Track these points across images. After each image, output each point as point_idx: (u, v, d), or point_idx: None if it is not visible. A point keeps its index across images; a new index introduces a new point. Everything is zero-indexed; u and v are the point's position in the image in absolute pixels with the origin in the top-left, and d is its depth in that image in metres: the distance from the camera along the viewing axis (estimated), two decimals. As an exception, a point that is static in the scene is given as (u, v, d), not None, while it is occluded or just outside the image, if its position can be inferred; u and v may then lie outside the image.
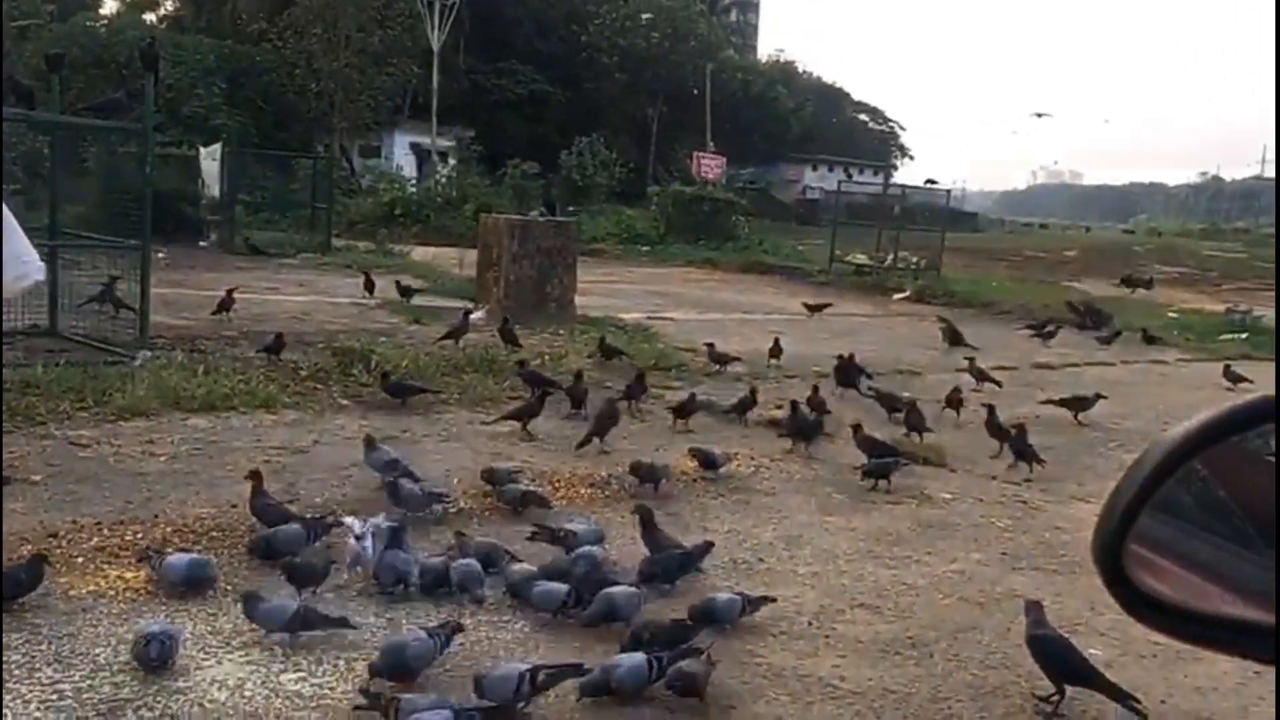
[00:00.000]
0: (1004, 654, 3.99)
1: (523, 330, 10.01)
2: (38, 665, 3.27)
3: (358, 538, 4.11)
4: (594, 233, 25.54)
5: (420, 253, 19.77)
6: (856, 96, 71.03)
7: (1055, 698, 3.52)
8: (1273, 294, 16.62)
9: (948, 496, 6.11)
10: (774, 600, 4.10)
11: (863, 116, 70.10)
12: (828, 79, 68.14)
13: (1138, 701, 3.43)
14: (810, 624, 4.10)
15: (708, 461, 5.99)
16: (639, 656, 3.33)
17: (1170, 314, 17.89)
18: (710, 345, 9.83)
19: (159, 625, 3.34)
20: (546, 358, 9.05)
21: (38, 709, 3.02)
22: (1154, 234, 52.08)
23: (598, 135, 37.24)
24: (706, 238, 26.75)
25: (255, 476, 4.64)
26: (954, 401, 8.16)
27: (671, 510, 5.42)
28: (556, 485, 5.62)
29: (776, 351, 9.94)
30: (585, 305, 12.30)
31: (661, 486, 5.64)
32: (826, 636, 4.02)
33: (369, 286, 12.43)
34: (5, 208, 4.88)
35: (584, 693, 3.22)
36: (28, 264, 5.00)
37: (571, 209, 28.44)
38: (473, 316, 10.08)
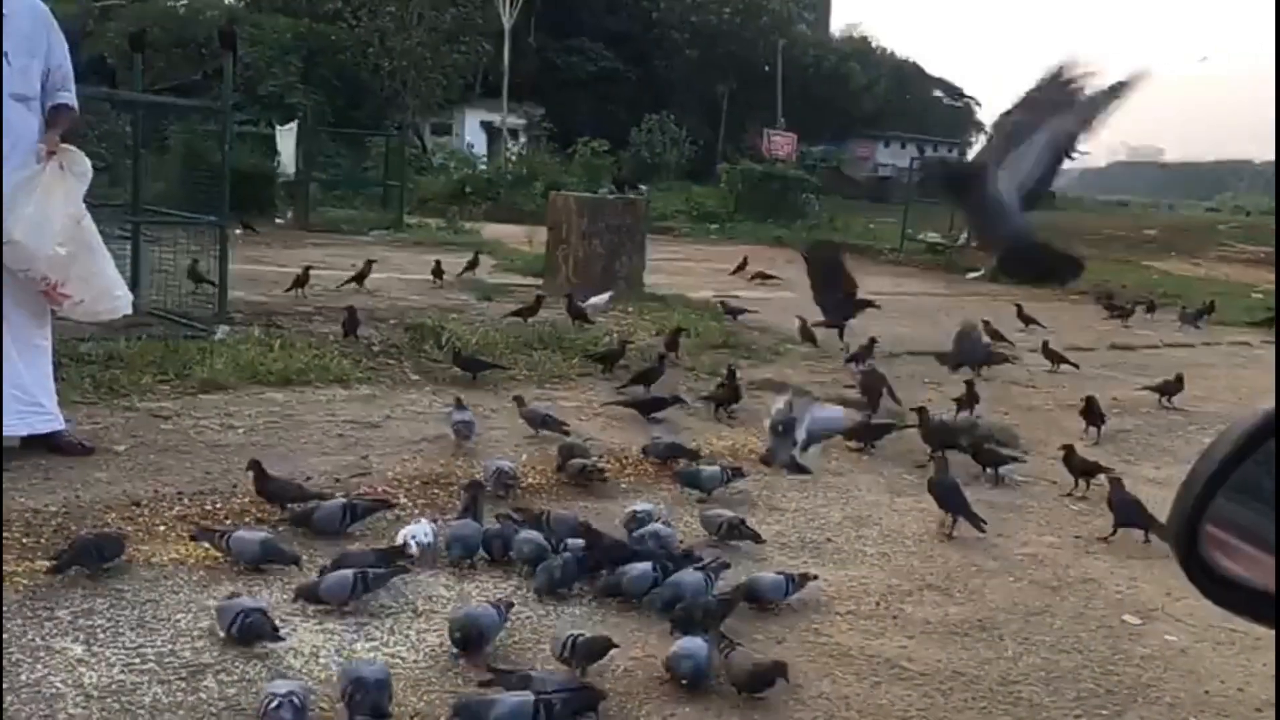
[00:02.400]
0: (1077, 638, 3.93)
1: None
2: (121, 629, 3.37)
3: (420, 544, 4.13)
4: (663, 210, 25.54)
5: (490, 230, 19.90)
6: (932, 72, 69.84)
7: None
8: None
9: (1019, 478, 6.02)
10: (814, 578, 4.07)
11: (938, 92, 68.96)
12: (902, 54, 67.07)
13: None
14: (878, 604, 4.08)
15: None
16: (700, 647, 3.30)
17: (1255, 294, 17.40)
18: (802, 319, 9.80)
19: (250, 601, 3.39)
20: (615, 335, 9.07)
21: (121, 672, 3.11)
22: (1240, 212, 50.56)
23: (667, 113, 37.17)
24: (776, 216, 26.57)
25: (255, 466, 4.55)
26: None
27: (739, 489, 5.42)
28: (624, 463, 5.63)
29: (808, 333, 9.76)
30: (654, 283, 12.30)
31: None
32: (894, 617, 3.99)
33: (438, 274, 12.20)
34: (97, 237, 5.01)
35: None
36: (119, 298, 5.14)
37: (641, 187, 28.44)
38: (594, 300, 9.94)
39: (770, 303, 12.33)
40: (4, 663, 3.10)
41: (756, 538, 4.54)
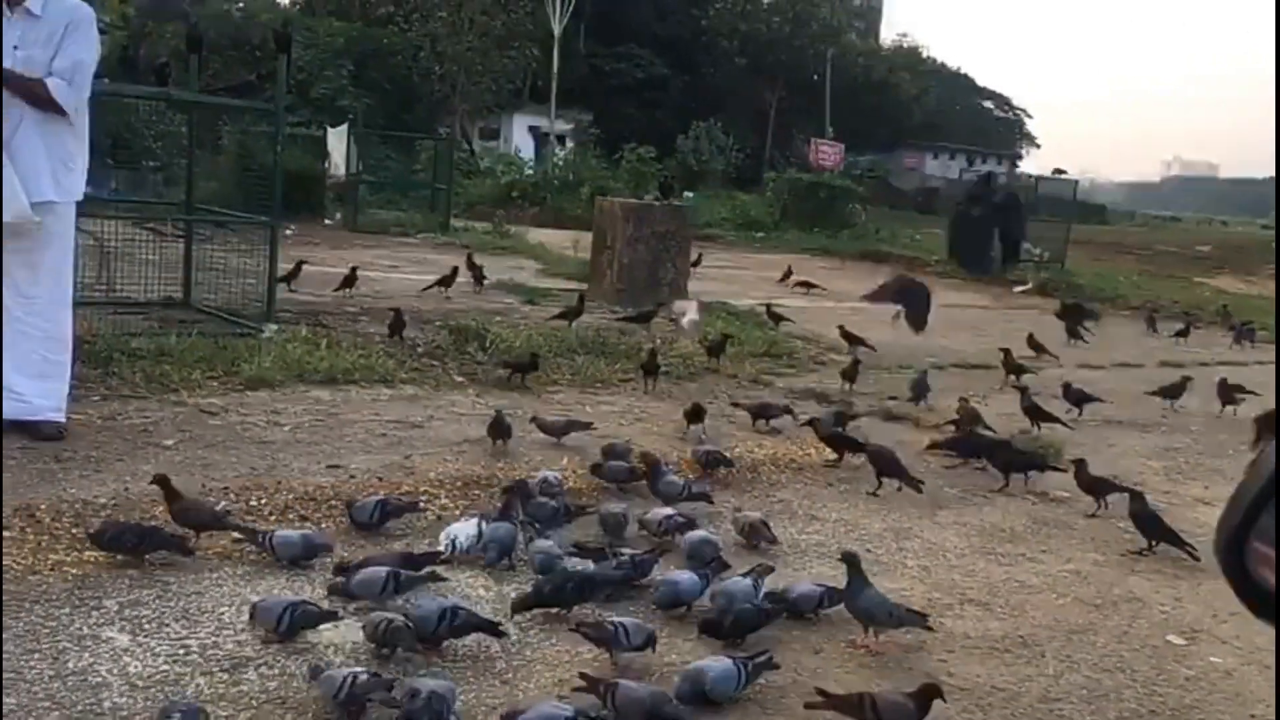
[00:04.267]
0: (1120, 657, 3.88)
1: (632, 313, 10.05)
2: (166, 621, 3.43)
3: (460, 545, 4.16)
4: (709, 218, 25.52)
5: (536, 235, 19.99)
6: (982, 83, 69.34)
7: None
8: None
9: (1065, 494, 5.95)
10: (838, 590, 4.04)
11: (988, 103, 68.45)
12: (952, 65, 66.68)
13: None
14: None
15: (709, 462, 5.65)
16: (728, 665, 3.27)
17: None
18: (842, 328, 9.76)
19: (288, 597, 3.42)
20: (658, 341, 9.08)
21: (165, 662, 3.16)
22: (1296, 229, 49.64)
23: (715, 120, 37.15)
24: (822, 225, 26.47)
25: (162, 483, 4.21)
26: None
27: (780, 498, 5.41)
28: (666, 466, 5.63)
29: (851, 338, 9.71)
30: (698, 290, 12.29)
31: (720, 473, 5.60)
32: (934, 631, 3.95)
33: (478, 280, 11.89)
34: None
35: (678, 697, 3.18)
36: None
37: (687, 194, 28.43)
38: (685, 320, 9.84)
39: (813, 312, 12.28)
40: (52, 650, 3.16)
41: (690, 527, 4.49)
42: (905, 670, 3.57)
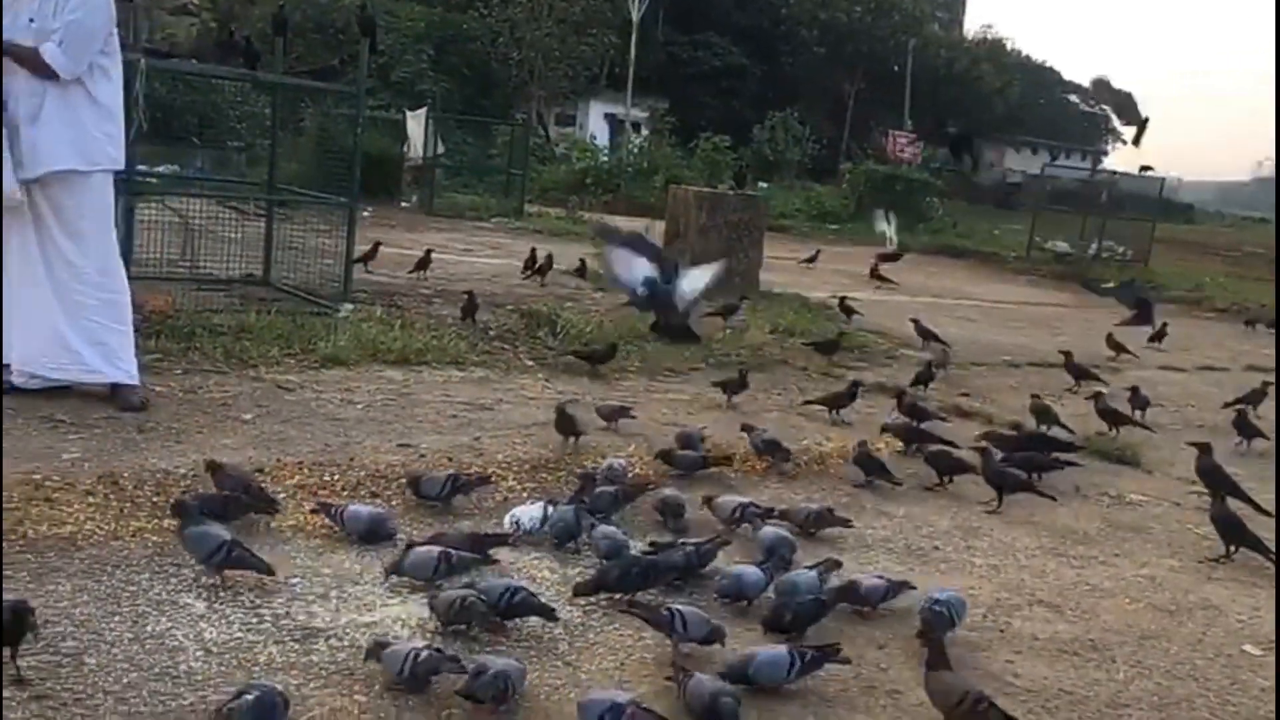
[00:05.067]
0: (1193, 665, 3.79)
1: (704, 303, 10.02)
2: (241, 590, 3.51)
3: (525, 526, 4.20)
4: (782, 208, 25.36)
5: (609, 222, 20.02)
6: (1068, 76, 67.85)
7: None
8: None
9: (1141, 498, 5.83)
10: (914, 588, 3.99)
11: (1073, 98, 66.98)
12: (1037, 57, 65.34)
13: None
14: (985, 616, 4.00)
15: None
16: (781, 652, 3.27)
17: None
18: (916, 322, 9.66)
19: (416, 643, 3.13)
20: (729, 332, 9.06)
21: (239, 630, 3.24)
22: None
23: (792, 110, 36.84)
24: (898, 218, 26.14)
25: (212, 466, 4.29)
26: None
27: (848, 491, 5.37)
28: (732, 457, 5.62)
29: (926, 333, 9.59)
30: (770, 281, 12.24)
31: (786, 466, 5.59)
32: (1001, 631, 3.91)
33: (541, 268, 11.50)
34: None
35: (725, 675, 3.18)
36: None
37: (761, 184, 28.29)
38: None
39: (887, 306, 12.16)
40: (132, 613, 3.26)
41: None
42: (970, 669, 3.53)
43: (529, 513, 4.26)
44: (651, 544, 4.15)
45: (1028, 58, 64.53)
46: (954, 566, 4.53)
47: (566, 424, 5.31)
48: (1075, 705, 3.41)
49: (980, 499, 5.45)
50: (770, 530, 4.31)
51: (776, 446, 5.61)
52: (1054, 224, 22.20)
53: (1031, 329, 12.19)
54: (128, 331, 5.46)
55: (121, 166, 5.53)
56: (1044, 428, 6.69)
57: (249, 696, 2.68)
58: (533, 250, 11.46)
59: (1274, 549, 4.85)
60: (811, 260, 16.32)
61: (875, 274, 14.75)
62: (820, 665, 3.27)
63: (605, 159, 30.67)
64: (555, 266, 11.55)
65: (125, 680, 2.88)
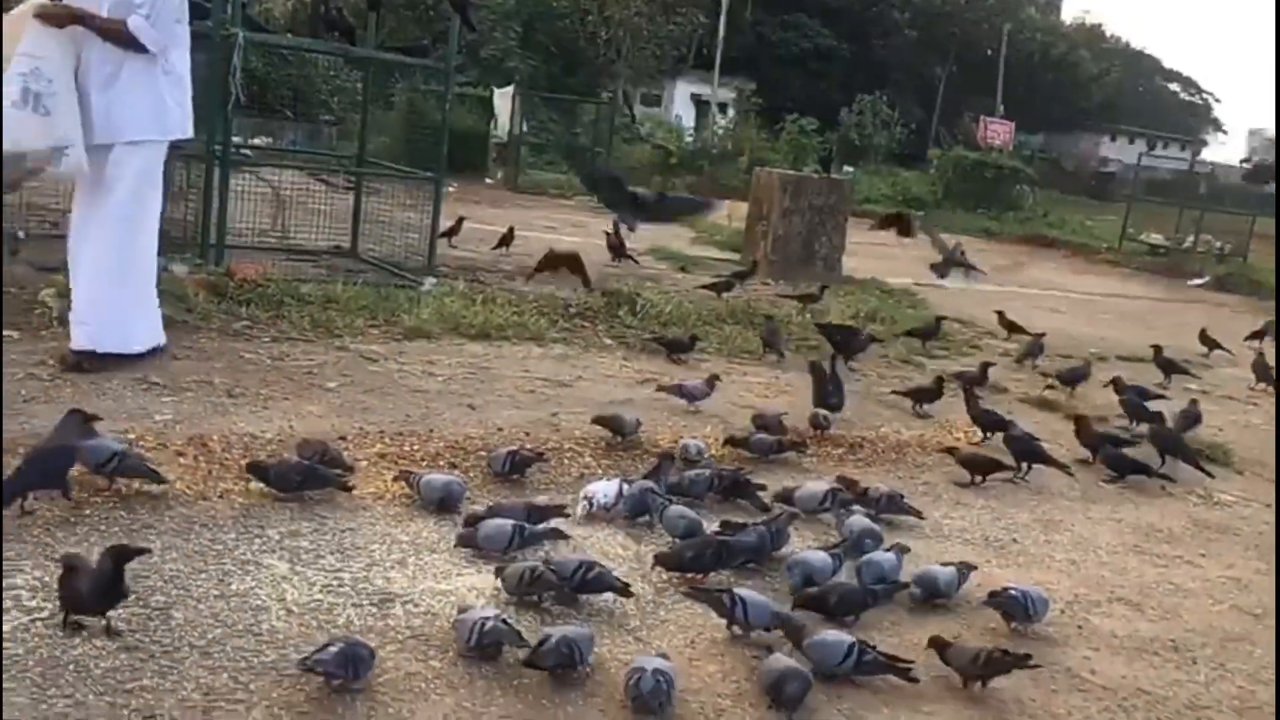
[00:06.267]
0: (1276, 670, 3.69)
1: (786, 287, 9.98)
2: (322, 553, 3.59)
3: (598, 503, 4.23)
4: (867, 193, 25.03)
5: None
6: (1168, 64, 65.86)
7: None
8: None
9: (1230, 499, 5.67)
10: (974, 568, 3.95)
11: (1173, 86, 65.05)
12: (1136, 44, 63.52)
13: None
14: (1062, 612, 3.93)
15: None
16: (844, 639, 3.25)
17: None
18: (1000, 314, 9.50)
19: (489, 610, 3.17)
20: (808, 317, 9.00)
21: (320, 592, 3.32)
22: None
23: (880, 94, 36.31)
24: (986, 206, 25.67)
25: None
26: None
27: (925, 480, 5.31)
28: (807, 440, 5.60)
29: (1011, 326, 9.38)
30: (852, 267, 12.11)
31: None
32: (1079, 627, 3.84)
33: (614, 246, 11.34)
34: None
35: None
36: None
37: (847, 168, 27.99)
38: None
39: (971, 294, 11.95)
40: (218, 571, 3.36)
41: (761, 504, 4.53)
42: (1046, 663, 3.48)
43: (603, 489, 4.29)
44: (724, 523, 4.15)
45: (1127, 44, 62.82)
46: (1032, 560, 4.45)
47: (612, 424, 5.21)
48: (1153, 705, 3.34)
49: (1064, 493, 5.35)
50: (857, 519, 4.28)
51: (828, 422, 5.73)
52: (1149, 215, 21.60)
53: (1122, 323, 11.90)
54: (154, 301, 5.52)
55: (190, 134, 5.61)
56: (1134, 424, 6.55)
57: (334, 648, 2.75)
58: (615, 227, 11.46)
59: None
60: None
61: (962, 262, 14.49)
62: (879, 671, 3.21)
63: (690, 140, 30.58)
64: (634, 246, 11.53)
65: (210, 636, 2.97)
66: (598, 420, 5.14)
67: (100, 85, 5.13)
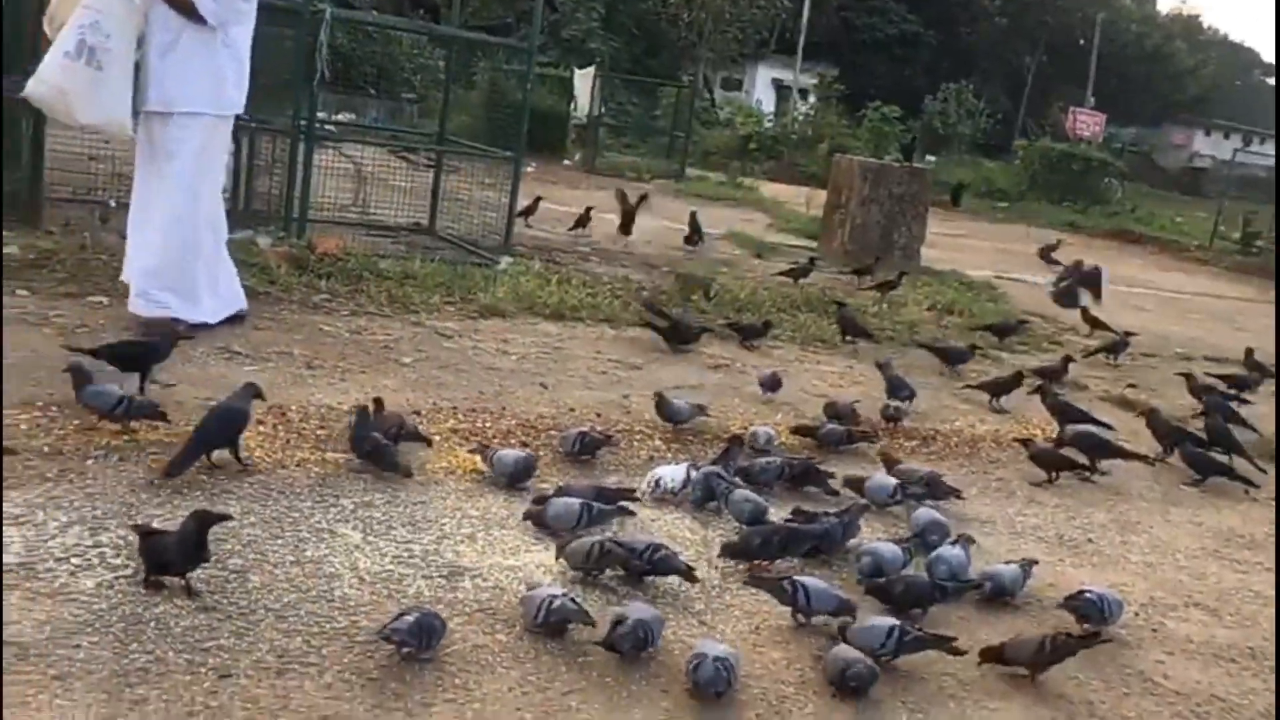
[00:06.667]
0: (1362, 686, 3.57)
1: (862, 278, 9.87)
2: (394, 525, 3.65)
3: (665, 487, 4.24)
4: (950, 183, 24.65)
5: (769, 188, 19.87)
6: (1266, 58, 63.74)
7: None
8: None
9: (1317, 506, 5.50)
10: (1035, 562, 3.91)
11: (1271, 81, 62.84)
12: (1235, 37, 61.60)
13: None
14: (1136, 614, 3.84)
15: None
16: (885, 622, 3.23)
17: None
18: (1084, 310, 9.31)
19: (555, 589, 3.17)
20: (885, 307, 8.90)
21: (391, 562, 3.38)
22: None
23: (966, 82, 35.69)
24: (1072, 199, 25.11)
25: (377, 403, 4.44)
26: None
27: (999, 476, 5.23)
28: (880, 431, 5.55)
29: (1095, 323, 9.17)
30: (931, 257, 11.95)
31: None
32: (1154, 630, 3.76)
33: (689, 237, 11.23)
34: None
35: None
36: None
37: (929, 157, 27.59)
38: None
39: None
40: (294, 538, 3.43)
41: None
42: (1117, 665, 3.42)
43: (670, 473, 4.30)
44: (795, 511, 4.12)
45: (1225, 36, 61.00)
46: (1107, 561, 4.37)
47: (666, 412, 5.15)
48: (1228, 712, 3.26)
49: (1143, 494, 5.24)
50: (924, 512, 4.24)
51: (900, 413, 5.68)
52: (1241, 213, 20.96)
53: (1210, 322, 11.58)
54: (220, 271, 5.59)
55: (242, 110, 5.65)
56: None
57: (410, 617, 2.80)
58: (693, 215, 11.44)
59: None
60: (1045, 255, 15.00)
61: (1045, 256, 14.22)
62: (922, 648, 3.20)
63: (769, 125, 30.36)
64: (710, 231, 11.47)
65: (285, 600, 3.04)
66: (657, 407, 5.11)
67: (159, 52, 5.18)
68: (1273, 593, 4.29)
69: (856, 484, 4.53)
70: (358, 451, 4.07)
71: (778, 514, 4.09)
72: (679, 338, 6.74)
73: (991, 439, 5.78)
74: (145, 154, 5.36)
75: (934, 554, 3.81)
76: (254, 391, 4.08)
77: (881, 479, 4.55)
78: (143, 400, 4.09)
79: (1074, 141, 30.12)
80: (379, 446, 4.08)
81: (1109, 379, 7.66)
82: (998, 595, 3.76)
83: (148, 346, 4.60)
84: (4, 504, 3.31)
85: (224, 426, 3.87)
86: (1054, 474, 5.21)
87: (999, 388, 6.51)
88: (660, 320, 6.92)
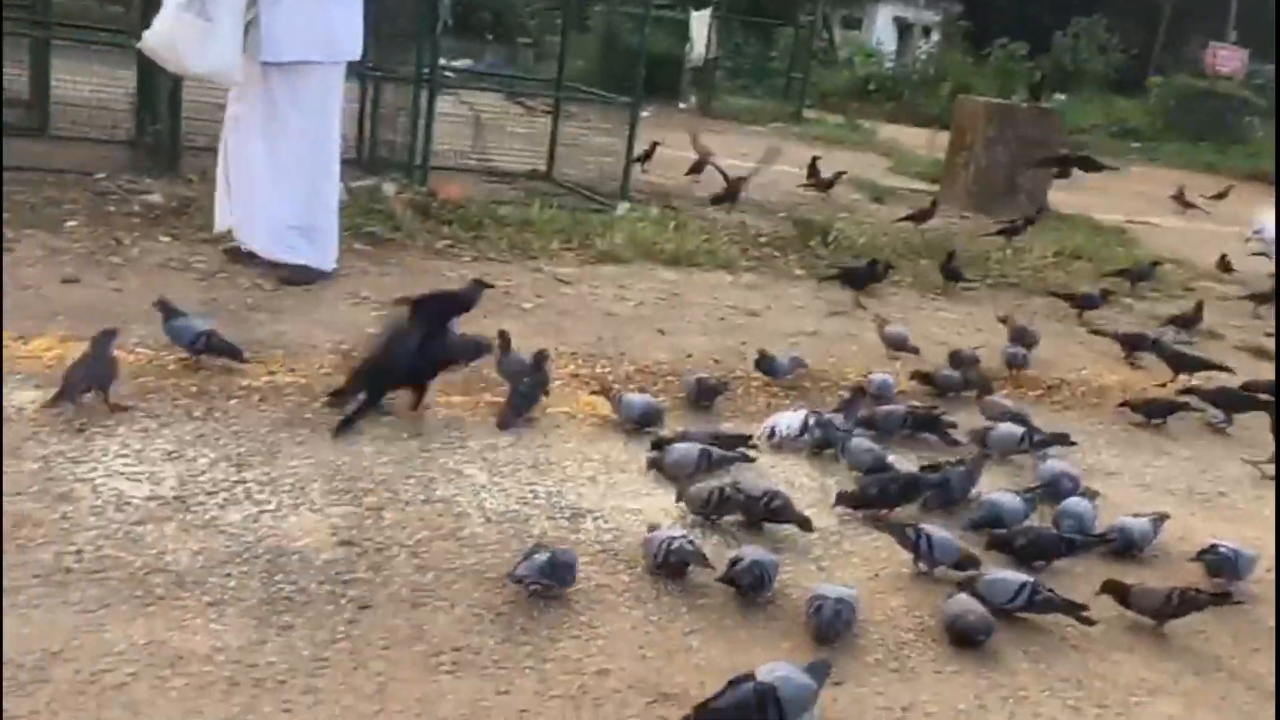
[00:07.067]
0: None
1: (985, 222, 9.65)
2: (519, 467, 3.76)
3: (781, 433, 4.26)
4: (1079, 123, 23.75)
5: (889, 131, 19.45)
6: None
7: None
8: None
9: None
10: (1167, 517, 3.83)
11: None
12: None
13: None
14: (1268, 571, 3.74)
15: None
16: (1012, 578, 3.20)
17: None
18: (1224, 258, 8.94)
19: (675, 530, 3.42)
20: (1007, 253, 8.69)
21: (516, 503, 3.48)
22: None
23: (1098, 16, 34.18)
24: (1211, 138, 23.96)
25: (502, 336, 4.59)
26: None
27: (1126, 427, 5.11)
28: (1002, 379, 5.46)
29: (1229, 269, 8.77)
30: (1059, 201, 11.58)
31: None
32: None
33: (824, 182, 11.02)
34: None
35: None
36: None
37: (1058, 96, 26.58)
38: None
39: (1188, 234, 11.29)
40: (424, 478, 3.56)
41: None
42: (1248, 621, 3.35)
43: (788, 420, 4.31)
44: (924, 467, 4.09)
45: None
46: (1241, 516, 4.25)
47: (764, 365, 5.04)
48: (1365, 675, 3.17)
49: None
50: (1052, 464, 4.17)
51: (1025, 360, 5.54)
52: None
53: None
54: (331, 221, 5.70)
55: (357, 57, 5.71)
56: None
57: (541, 556, 2.89)
58: (813, 160, 11.27)
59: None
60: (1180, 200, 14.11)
61: (1182, 199, 13.66)
62: (1051, 609, 3.16)
63: (890, 65, 29.61)
64: (824, 175, 11.28)
65: (417, 537, 3.17)
66: (758, 363, 5.02)
67: (269, 2, 5.23)
68: None
69: (981, 434, 4.48)
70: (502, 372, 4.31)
71: (899, 465, 4.08)
72: (857, 282, 6.72)
73: (1120, 389, 5.64)
74: (263, 105, 5.41)
75: (1061, 506, 3.77)
76: (481, 286, 4.52)
77: (1008, 428, 4.49)
78: (220, 339, 4.20)
79: (1213, 78, 28.66)
80: (523, 371, 4.24)
81: (1243, 325, 7.37)
82: (1126, 549, 3.70)
83: (459, 296, 4.68)
84: (157, 440, 3.52)
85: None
86: (1160, 420, 5.06)
87: (1130, 337, 6.26)
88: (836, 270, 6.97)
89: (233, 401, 3.93)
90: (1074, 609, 3.16)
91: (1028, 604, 3.13)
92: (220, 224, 5.72)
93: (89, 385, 3.65)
